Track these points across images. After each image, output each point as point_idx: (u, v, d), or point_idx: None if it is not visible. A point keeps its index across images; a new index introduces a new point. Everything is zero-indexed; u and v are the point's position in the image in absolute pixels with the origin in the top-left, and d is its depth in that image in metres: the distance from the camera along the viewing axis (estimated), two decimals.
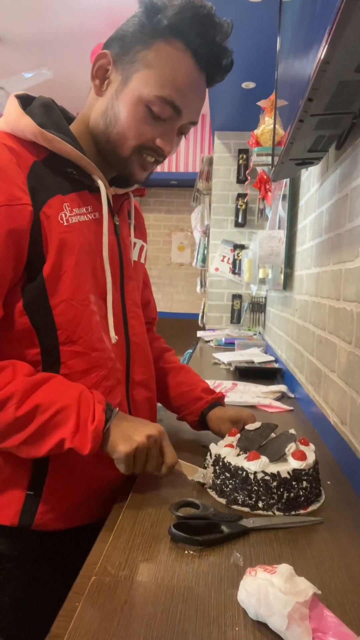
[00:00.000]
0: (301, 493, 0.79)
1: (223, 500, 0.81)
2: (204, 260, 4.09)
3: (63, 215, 0.80)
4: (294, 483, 0.78)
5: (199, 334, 3.44)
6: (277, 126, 1.55)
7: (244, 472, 0.79)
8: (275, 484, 0.77)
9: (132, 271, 0.97)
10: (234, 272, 3.71)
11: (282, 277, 2.05)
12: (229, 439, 0.91)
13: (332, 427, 1.13)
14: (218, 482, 0.83)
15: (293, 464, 0.79)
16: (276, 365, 2.08)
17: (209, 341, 3.09)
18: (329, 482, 0.91)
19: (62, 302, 0.80)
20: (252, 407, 1.49)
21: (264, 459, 0.79)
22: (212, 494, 0.84)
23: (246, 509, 0.78)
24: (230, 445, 0.87)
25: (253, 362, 2.12)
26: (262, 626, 0.53)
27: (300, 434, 0.94)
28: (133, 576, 0.62)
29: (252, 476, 0.78)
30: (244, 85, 2.79)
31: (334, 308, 1.18)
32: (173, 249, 6.64)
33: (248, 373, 1.98)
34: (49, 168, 0.81)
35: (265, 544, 0.70)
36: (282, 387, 1.70)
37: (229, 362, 2.18)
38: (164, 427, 0.83)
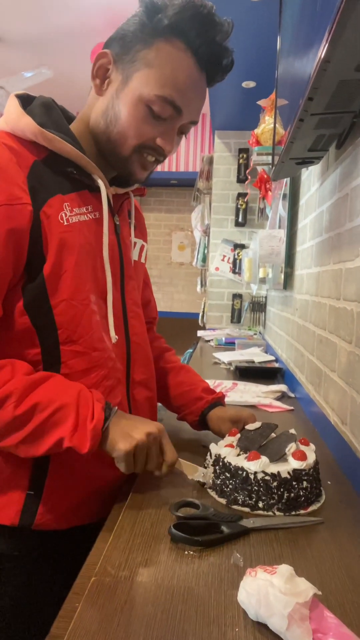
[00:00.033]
0: (301, 493, 0.79)
1: (223, 501, 0.81)
2: (204, 259, 4.09)
3: (63, 214, 0.80)
4: (294, 483, 0.78)
5: (199, 333, 3.44)
6: (277, 125, 1.55)
7: (244, 472, 0.78)
8: (275, 484, 0.77)
9: (132, 271, 0.97)
10: (234, 272, 3.71)
11: (283, 276, 2.05)
12: (229, 439, 0.91)
13: (333, 427, 1.13)
14: (218, 482, 0.83)
15: (293, 464, 0.79)
16: (276, 365, 2.08)
17: (209, 341, 3.09)
18: (329, 482, 0.91)
19: (63, 301, 0.80)
20: (253, 406, 1.49)
21: (264, 459, 0.79)
22: (212, 494, 0.84)
23: (246, 509, 0.78)
24: (231, 445, 0.87)
25: (253, 362, 2.12)
26: (262, 627, 0.53)
27: (301, 433, 0.94)
28: (133, 576, 0.62)
29: (252, 476, 0.78)
30: (244, 84, 2.79)
31: (334, 308, 1.18)
32: (173, 248, 6.65)
33: (248, 373, 1.98)
34: (49, 168, 0.81)
35: (266, 544, 0.70)
36: (282, 387, 1.70)
37: (229, 362, 2.18)
38: (163, 426, 0.82)
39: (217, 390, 1.19)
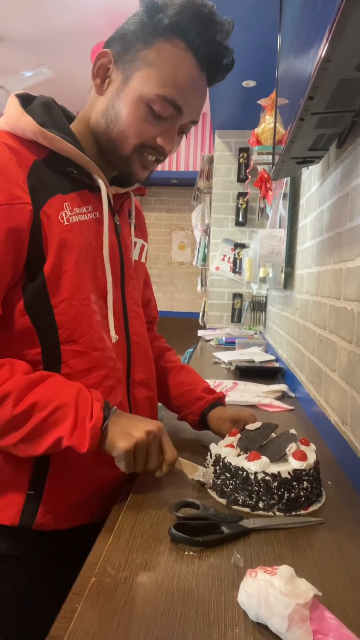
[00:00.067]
0: (302, 493, 0.78)
1: (223, 501, 0.81)
2: (205, 259, 4.09)
3: (63, 214, 0.80)
4: (294, 483, 0.78)
5: (200, 333, 3.44)
6: (277, 124, 1.55)
7: (245, 473, 0.78)
8: (275, 484, 0.77)
9: (132, 270, 0.97)
10: (234, 271, 3.70)
11: (283, 276, 2.05)
12: (229, 439, 0.91)
13: (333, 427, 1.13)
14: (218, 482, 0.83)
15: (294, 464, 0.79)
16: (277, 365, 2.08)
17: (209, 340, 3.09)
18: (329, 482, 0.91)
19: (63, 301, 0.80)
20: (253, 406, 1.49)
21: (264, 459, 0.79)
22: (213, 494, 0.84)
23: (246, 510, 0.78)
24: (231, 446, 0.87)
25: (254, 362, 2.12)
26: (262, 628, 0.53)
27: (301, 433, 0.94)
28: (133, 577, 0.62)
29: (252, 476, 0.78)
30: (244, 83, 2.78)
31: (334, 307, 1.18)
32: (173, 247, 6.64)
33: (249, 372, 1.98)
34: (50, 167, 0.81)
35: (266, 544, 0.70)
36: (282, 387, 1.69)
37: (230, 361, 2.18)
38: (163, 424, 0.82)
39: (218, 390, 1.19)
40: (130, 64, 0.82)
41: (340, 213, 1.17)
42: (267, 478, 0.77)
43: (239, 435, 0.92)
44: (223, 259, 3.73)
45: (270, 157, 2.14)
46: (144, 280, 1.08)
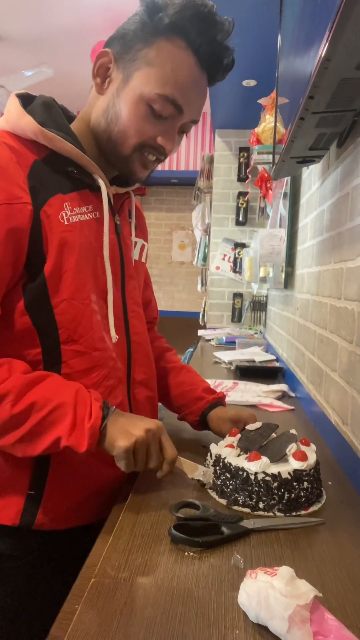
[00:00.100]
0: (302, 494, 0.78)
1: (223, 501, 0.81)
2: (205, 258, 4.08)
3: (64, 214, 0.80)
4: (294, 484, 0.78)
5: (200, 332, 3.44)
6: (278, 124, 1.55)
7: (245, 473, 0.78)
8: (276, 484, 0.77)
9: (133, 270, 0.97)
10: (234, 271, 3.70)
11: (283, 275, 2.05)
12: (229, 439, 0.91)
13: (333, 427, 1.13)
14: (218, 482, 0.83)
15: (294, 464, 0.79)
16: (277, 365, 2.08)
17: (209, 340, 3.09)
18: (330, 483, 0.91)
19: (63, 301, 0.80)
20: (253, 406, 1.48)
21: (264, 459, 0.78)
22: (213, 494, 0.83)
23: (247, 510, 0.78)
24: (231, 446, 0.87)
25: (254, 361, 2.12)
26: (262, 629, 0.52)
27: (301, 433, 0.94)
28: (133, 578, 0.62)
29: (252, 477, 0.77)
30: (244, 83, 2.78)
31: (335, 307, 1.18)
32: (174, 247, 6.64)
33: (249, 372, 1.98)
34: (50, 167, 0.80)
35: (266, 545, 0.70)
36: (283, 387, 1.69)
37: (230, 361, 2.18)
38: (162, 423, 0.82)
39: (218, 389, 1.19)
40: (130, 64, 0.81)
41: (341, 212, 1.17)
42: (268, 478, 0.77)
43: (239, 436, 0.92)
44: (223, 259, 3.73)
45: (270, 156, 2.14)
46: (144, 281, 1.08)
